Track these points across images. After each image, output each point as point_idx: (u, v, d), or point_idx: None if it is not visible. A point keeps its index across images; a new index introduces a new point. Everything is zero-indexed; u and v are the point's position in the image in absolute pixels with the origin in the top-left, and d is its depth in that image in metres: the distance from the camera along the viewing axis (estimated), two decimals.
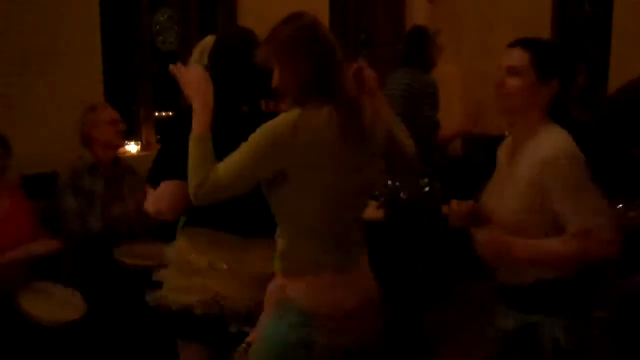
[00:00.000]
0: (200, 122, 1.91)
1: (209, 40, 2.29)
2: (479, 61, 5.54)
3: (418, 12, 5.90)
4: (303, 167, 1.80)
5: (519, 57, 1.96)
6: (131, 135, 4.23)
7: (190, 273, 2.17)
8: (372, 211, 3.75)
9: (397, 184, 3.76)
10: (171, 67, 2.06)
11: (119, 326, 2.95)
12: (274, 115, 2.11)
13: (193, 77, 2.00)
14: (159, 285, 2.30)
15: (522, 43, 1.99)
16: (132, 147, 4.26)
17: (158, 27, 4.45)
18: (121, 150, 3.59)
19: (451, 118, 5.35)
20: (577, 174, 1.86)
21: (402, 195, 3.75)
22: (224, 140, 1.89)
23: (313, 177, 1.81)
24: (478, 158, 4.93)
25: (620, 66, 4.85)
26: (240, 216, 2.12)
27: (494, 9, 5.61)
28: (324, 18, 5.17)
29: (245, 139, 1.85)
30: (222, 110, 2.02)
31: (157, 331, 3.16)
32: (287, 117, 1.80)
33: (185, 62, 2.32)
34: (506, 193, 1.99)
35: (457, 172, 4.86)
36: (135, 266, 3.03)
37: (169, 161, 2.16)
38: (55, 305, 2.78)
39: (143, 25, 4.29)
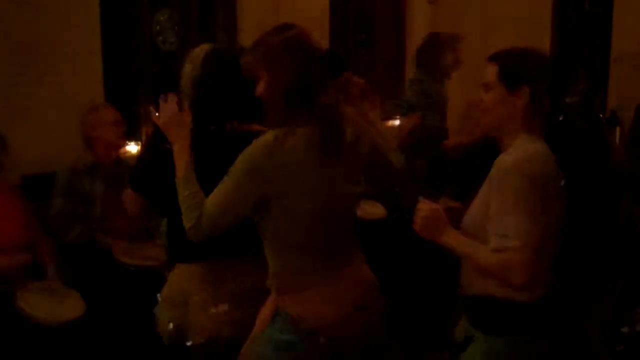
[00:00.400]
0: (182, 163, 1.97)
1: (203, 48, 2.28)
2: (479, 61, 5.54)
3: (418, 12, 5.89)
4: (284, 189, 1.83)
5: (489, 72, 1.94)
6: (131, 135, 4.23)
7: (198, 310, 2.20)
8: (376, 209, 3.72)
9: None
10: (147, 108, 2.18)
11: (118, 326, 2.95)
12: (243, 134, 2.11)
13: (170, 119, 2.04)
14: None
15: (492, 57, 1.98)
16: (132, 147, 4.25)
17: (158, 27, 4.45)
18: (121, 150, 3.58)
19: (451, 122, 5.36)
20: (519, 191, 1.76)
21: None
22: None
23: (296, 197, 1.84)
24: (478, 158, 4.93)
25: (621, 67, 4.84)
26: (221, 240, 2.05)
27: (494, 8, 5.59)
28: (324, 18, 5.17)
29: (214, 159, 1.94)
30: (197, 123, 2.08)
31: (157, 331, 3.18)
32: (260, 142, 1.82)
33: (183, 63, 2.32)
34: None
35: (457, 171, 4.87)
36: (135, 266, 3.03)
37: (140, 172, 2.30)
38: (54, 304, 2.77)
39: (143, 25, 4.29)
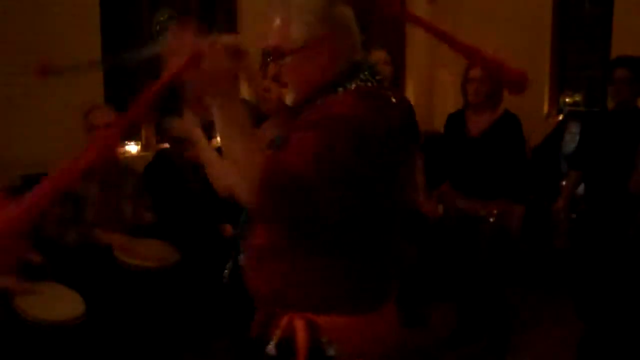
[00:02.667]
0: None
1: None
2: None
3: (418, 12, 5.89)
4: None
5: None
6: (131, 135, 4.23)
7: None
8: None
9: None
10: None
11: (118, 326, 2.95)
12: None
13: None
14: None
15: None
16: (132, 147, 4.26)
17: (158, 27, 4.45)
18: (121, 150, 3.57)
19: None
20: None
21: None
22: None
23: None
24: None
25: None
26: None
27: (494, 9, 5.60)
28: None
29: None
30: None
31: (156, 331, 3.18)
32: None
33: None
34: None
35: None
36: (135, 266, 3.03)
37: None
38: (53, 304, 2.75)
39: (143, 25, 4.30)
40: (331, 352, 1.45)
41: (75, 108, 3.52)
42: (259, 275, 1.53)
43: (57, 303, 2.76)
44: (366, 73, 1.51)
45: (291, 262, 1.48)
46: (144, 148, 4.33)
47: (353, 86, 1.48)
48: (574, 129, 4.68)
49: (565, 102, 5.68)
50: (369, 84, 1.49)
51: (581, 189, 3.66)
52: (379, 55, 3.41)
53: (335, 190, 1.34)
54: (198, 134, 2.26)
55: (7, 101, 3.53)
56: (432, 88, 6.09)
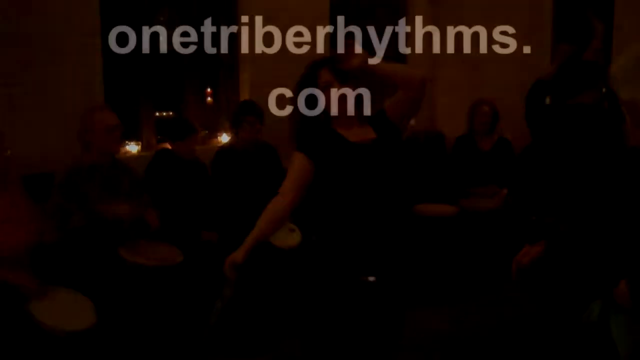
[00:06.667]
0: None
1: None
2: (479, 61, 5.53)
3: (419, 12, 5.89)
4: None
5: None
6: (131, 135, 4.23)
7: None
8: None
9: None
10: None
11: (122, 324, 2.94)
12: None
13: None
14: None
15: None
16: (132, 147, 4.26)
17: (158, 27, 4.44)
18: (120, 151, 3.56)
19: (455, 121, 5.37)
20: None
21: None
22: None
23: None
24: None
25: None
26: None
27: (494, 8, 5.59)
28: (324, 18, 5.17)
29: None
30: None
31: (159, 330, 3.18)
32: None
33: (185, 62, 2.31)
34: None
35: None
36: (139, 265, 3.03)
37: None
38: (67, 313, 2.68)
39: (143, 25, 4.28)
40: None
41: (75, 108, 3.52)
42: None
43: (70, 312, 2.70)
44: None
45: None
46: (144, 148, 4.33)
47: None
48: None
49: None
50: None
51: None
52: None
53: None
54: None
55: (7, 101, 3.53)
56: (433, 88, 6.08)
